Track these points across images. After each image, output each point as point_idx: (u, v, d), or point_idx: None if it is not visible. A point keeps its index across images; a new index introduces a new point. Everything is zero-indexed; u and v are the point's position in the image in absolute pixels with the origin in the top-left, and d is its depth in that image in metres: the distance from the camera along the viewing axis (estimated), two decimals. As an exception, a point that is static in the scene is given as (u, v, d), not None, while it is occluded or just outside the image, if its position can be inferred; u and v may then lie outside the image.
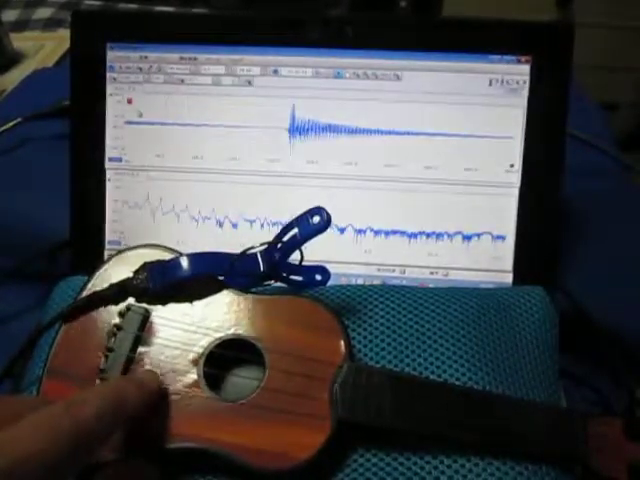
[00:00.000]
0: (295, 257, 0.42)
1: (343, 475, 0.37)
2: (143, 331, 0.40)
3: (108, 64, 0.52)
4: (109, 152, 0.53)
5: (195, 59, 0.52)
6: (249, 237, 0.52)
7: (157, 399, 0.37)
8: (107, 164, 0.53)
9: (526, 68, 0.50)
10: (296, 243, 0.41)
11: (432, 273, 0.51)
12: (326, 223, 0.40)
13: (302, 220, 0.41)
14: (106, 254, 0.52)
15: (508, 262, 0.51)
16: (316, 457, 0.36)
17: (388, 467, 0.38)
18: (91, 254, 0.52)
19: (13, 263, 0.56)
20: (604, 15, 1.40)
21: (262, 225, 0.52)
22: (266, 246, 0.42)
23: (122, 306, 0.41)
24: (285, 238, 0.41)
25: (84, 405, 0.30)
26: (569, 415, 0.39)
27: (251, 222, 0.52)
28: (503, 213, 0.51)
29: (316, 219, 0.40)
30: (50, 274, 0.50)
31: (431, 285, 0.50)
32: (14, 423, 0.28)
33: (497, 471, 0.37)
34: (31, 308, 0.54)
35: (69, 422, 0.29)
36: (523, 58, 0.50)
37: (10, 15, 1.00)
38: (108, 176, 0.53)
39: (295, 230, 0.41)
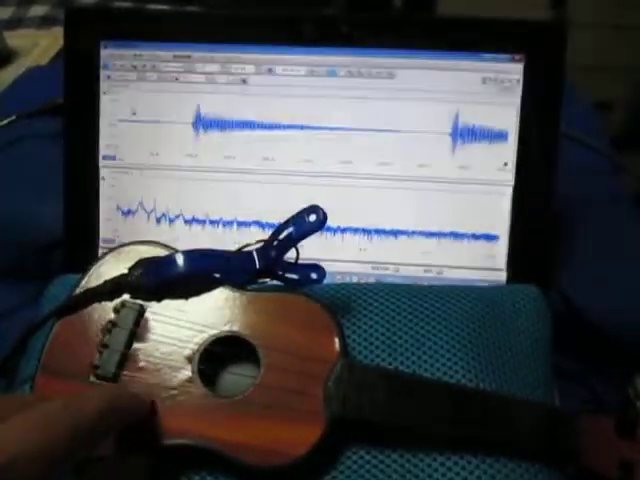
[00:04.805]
0: (291, 255, 0.42)
1: (337, 472, 0.37)
2: (138, 327, 0.40)
3: (102, 62, 0.52)
4: (103, 150, 0.53)
5: (189, 57, 0.52)
6: (244, 235, 0.52)
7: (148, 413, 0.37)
8: (101, 162, 0.53)
9: (519, 67, 0.50)
10: (292, 241, 0.41)
11: (426, 271, 0.51)
12: (322, 221, 0.40)
13: (298, 218, 0.41)
14: (100, 252, 0.52)
15: (502, 260, 0.51)
16: (310, 454, 0.36)
17: (381, 464, 0.38)
18: (85, 252, 0.52)
19: (6, 261, 0.56)
20: (598, 15, 1.41)
21: (256, 224, 0.52)
22: (262, 244, 0.42)
23: (117, 302, 0.41)
24: (281, 236, 0.41)
25: (83, 402, 0.30)
26: (562, 413, 0.39)
27: (245, 220, 0.52)
28: (497, 211, 0.51)
29: (312, 217, 0.40)
30: (44, 272, 0.50)
31: (425, 283, 0.50)
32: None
33: (490, 468, 0.37)
34: (25, 306, 0.54)
35: (68, 418, 0.29)
36: (516, 57, 0.50)
37: (4, 13, 0.99)
38: (102, 174, 0.53)
39: (291, 228, 0.41)
